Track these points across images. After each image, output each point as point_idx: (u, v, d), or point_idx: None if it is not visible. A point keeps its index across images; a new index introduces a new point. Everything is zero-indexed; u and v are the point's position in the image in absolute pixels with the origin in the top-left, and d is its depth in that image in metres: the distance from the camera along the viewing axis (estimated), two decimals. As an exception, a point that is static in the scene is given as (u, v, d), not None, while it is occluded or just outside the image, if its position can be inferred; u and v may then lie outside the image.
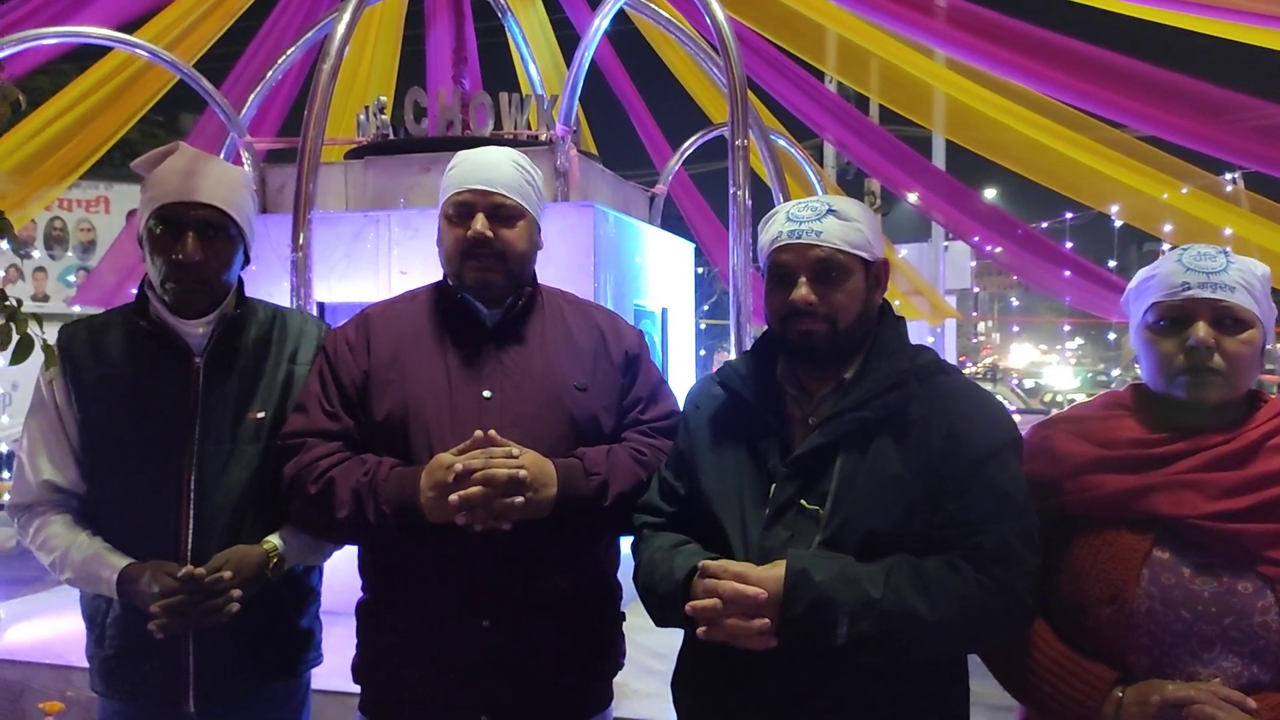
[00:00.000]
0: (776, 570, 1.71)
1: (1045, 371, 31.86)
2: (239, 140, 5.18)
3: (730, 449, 1.94)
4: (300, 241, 3.98)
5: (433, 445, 2.07)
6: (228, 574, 2.07)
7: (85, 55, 6.26)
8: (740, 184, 3.79)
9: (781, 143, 6.66)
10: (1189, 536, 1.74)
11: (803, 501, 1.81)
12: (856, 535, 1.76)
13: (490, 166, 2.20)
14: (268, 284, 4.41)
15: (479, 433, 1.99)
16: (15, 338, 2.05)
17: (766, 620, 1.69)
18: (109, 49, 5.88)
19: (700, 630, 1.73)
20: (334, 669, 2.45)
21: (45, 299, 12.29)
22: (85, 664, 2.28)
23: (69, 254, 12.73)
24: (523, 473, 1.95)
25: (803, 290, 1.85)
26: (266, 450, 2.21)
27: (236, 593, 2.08)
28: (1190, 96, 6.43)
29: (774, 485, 1.84)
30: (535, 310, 2.27)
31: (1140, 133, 8.13)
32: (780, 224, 1.91)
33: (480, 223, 2.14)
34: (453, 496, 1.93)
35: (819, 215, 1.88)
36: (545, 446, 2.06)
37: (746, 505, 1.86)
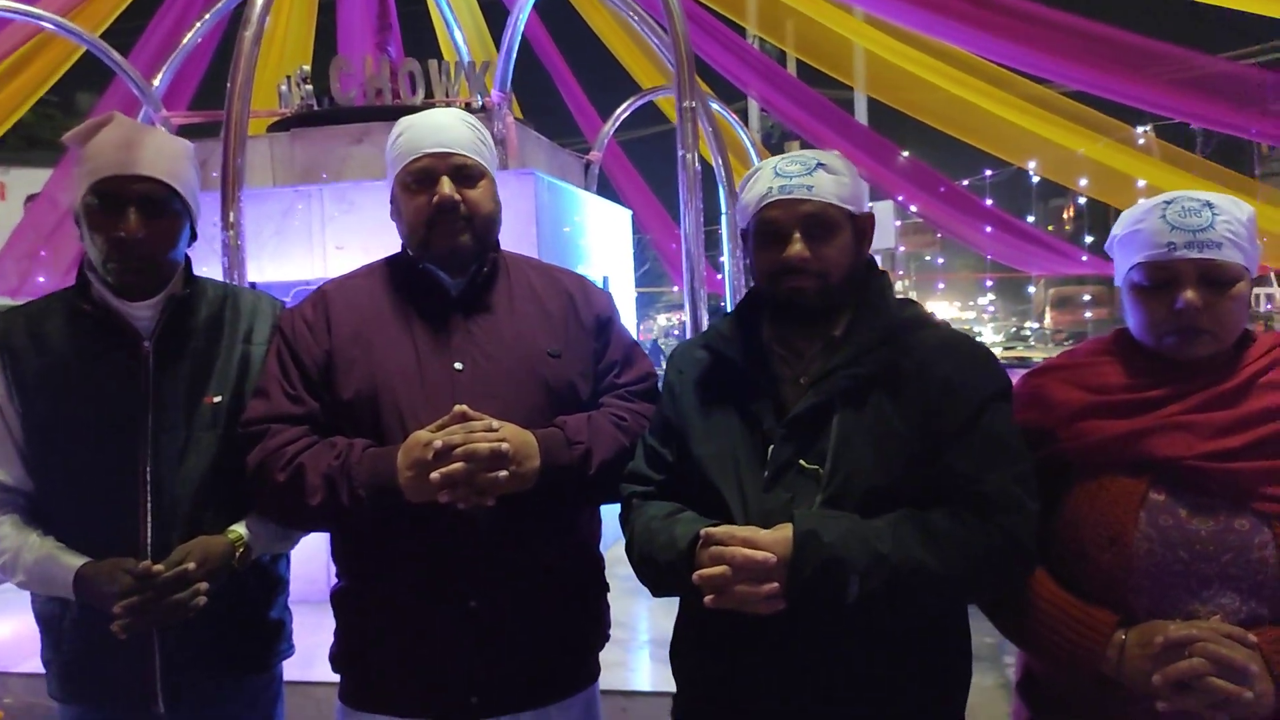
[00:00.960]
0: (784, 533, 1.68)
1: (974, 329, 32.35)
2: (154, 115, 4.94)
3: (720, 412, 1.90)
4: (230, 219, 3.81)
5: (405, 423, 1.99)
6: (191, 566, 1.96)
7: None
8: (689, 146, 3.73)
9: (717, 107, 6.61)
10: (1185, 477, 1.74)
11: (802, 462, 1.78)
12: (858, 492, 1.74)
13: (444, 128, 2.11)
14: (195, 266, 4.23)
15: (458, 407, 1.92)
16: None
17: (776, 584, 1.66)
18: (3, 21, 5.54)
19: (708, 599, 1.69)
20: (302, 659, 2.37)
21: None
22: (22, 669, 2.15)
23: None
24: (505, 446, 1.89)
25: (797, 246, 1.81)
26: (225, 436, 2.10)
27: (202, 586, 1.97)
28: (1117, 48, 6.55)
29: (771, 447, 1.81)
30: (500, 277, 2.19)
31: (1065, 89, 8.29)
32: (768, 180, 1.86)
33: (447, 186, 2.06)
34: (434, 474, 1.85)
35: (809, 169, 1.84)
36: (521, 417, 1.99)
37: (743, 468, 1.82)
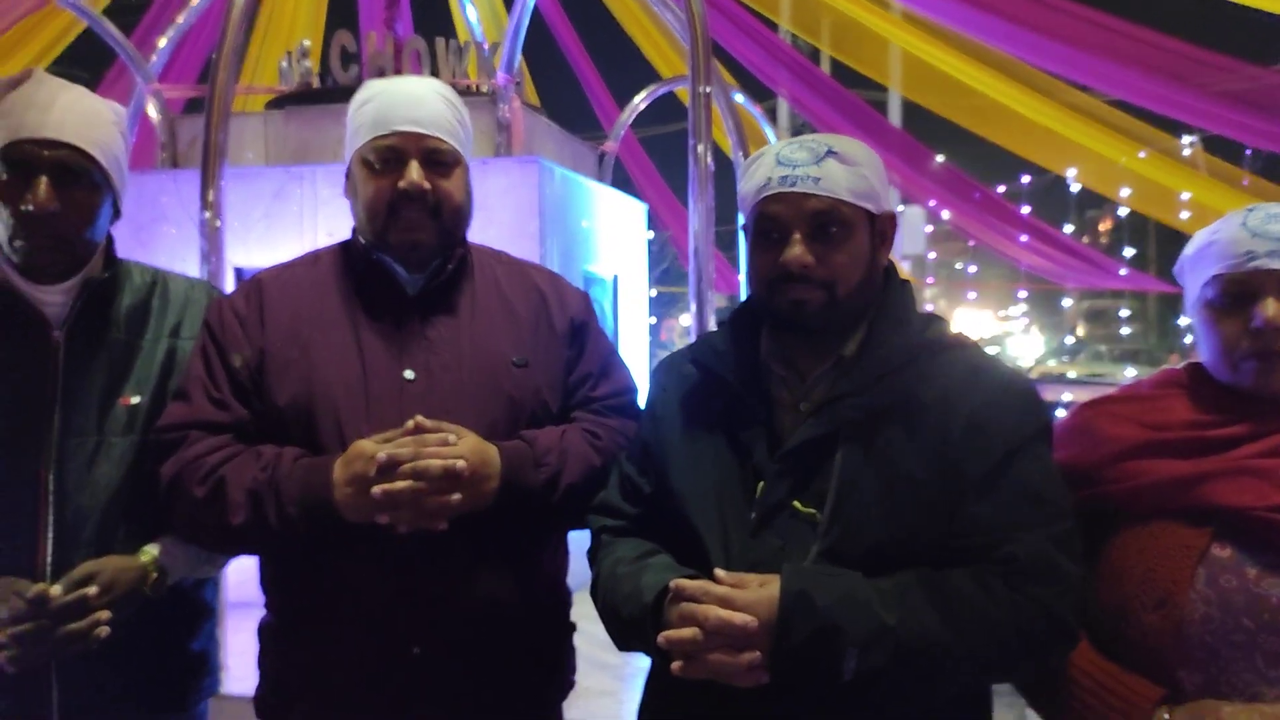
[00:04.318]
0: (769, 591, 1.42)
1: (1009, 341, 31.54)
2: (145, 88, 4.71)
3: (706, 440, 1.63)
4: (210, 199, 3.56)
5: (345, 438, 1.75)
6: (93, 591, 1.73)
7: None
8: (701, 136, 3.45)
9: (740, 99, 6.32)
10: (1255, 532, 1.52)
11: (796, 504, 1.52)
12: (861, 545, 1.48)
13: (418, 103, 1.84)
14: (185, 248, 4.02)
15: (411, 422, 1.68)
16: None
17: (757, 653, 1.40)
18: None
19: (675, 666, 1.43)
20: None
21: None
22: None
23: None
24: (461, 464, 1.64)
25: (796, 250, 1.54)
26: (142, 443, 1.87)
27: (104, 615, 1.73)
28: (1164, 55, 6.24)
29: (761, 484, 1.55)
30: (465, 275, 1.93)
31: (1107, 96, 7.99)
32: (769, 168, 1.58)
33: (416, 172, 1.81)
34: (375, 490, 1.62)
35: (816, 158, 1.56)
36: (479, 434, 1.75)
37: (727, 508, 1.57)
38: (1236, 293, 1.57)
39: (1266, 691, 1.47)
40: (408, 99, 1.85)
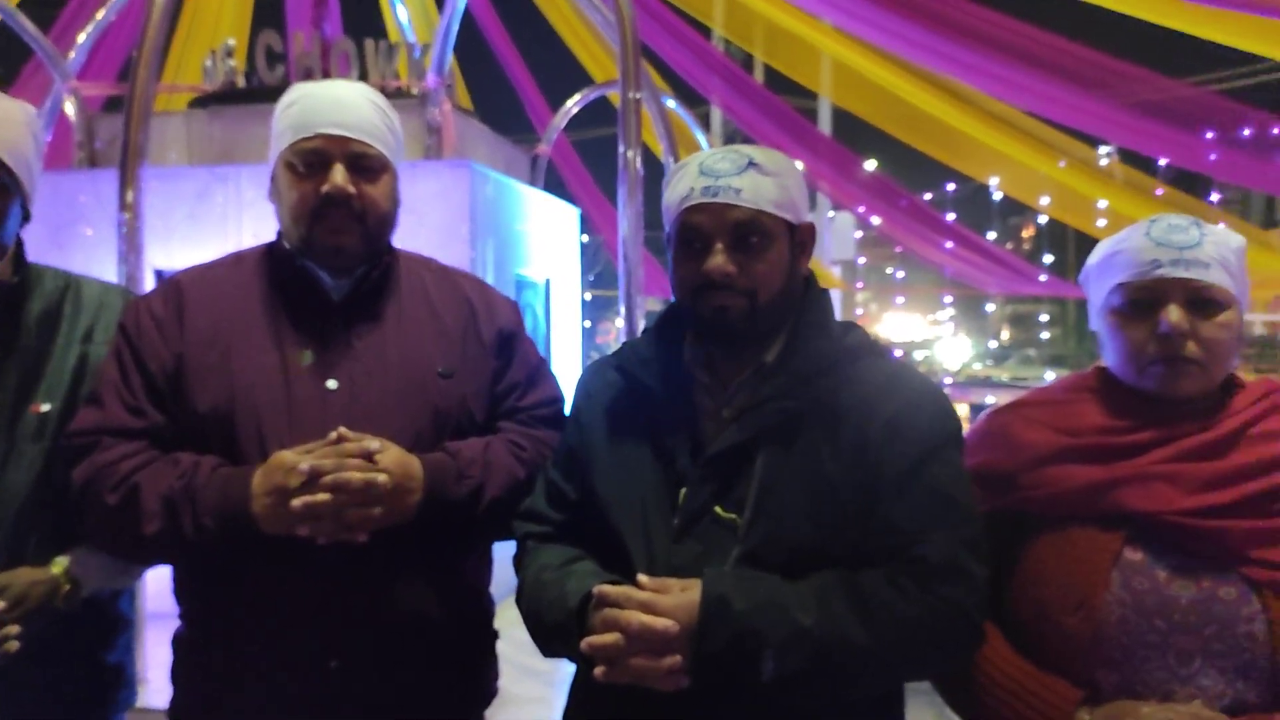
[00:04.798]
0: (690, 596, 1.43)
1: (936, 345, 31.65)
2: (63, 85, 4.57)
3: (631, 446, 1.64)
4: (129, 200, 3.47)
5: (266, 448, 1.71)
6: (1, 605, 1.67)
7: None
8: (631, 143, 3.46)
9: (672, 104, 6.36)
10: (1165, 535, 1.55)
11: (718, 509, 1.54)
12: (781, 548, 1.50)
13: (345, 106, 1.81)
14: (102, 249, 3.91)
15: (334, 433, 1.66)
16: None
17: (678, 657, 1.41)
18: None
19: (598, 671, 1.44)
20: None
21: None
22: None
23: None
24: (383, 478, 1.62)
25: (719, 259, 1.56)
26: (53, 450, 1.81)
27: (13, 629, 1.68)
28: (1081, 65, 6.42)
29: (684, 490, 1.56)
30: (391, 282, 1.90)
31: (1025, 108, 8.20)
32: (692, 179, 1.60)
33: (340, 175, 1.77)
34: (296, 502, 1.59)
35: (738, 169, 1.58)
36: (403, 445, 1.72)
37: (650, 513, 1.58)
38: (1142, 300, 1.60)
39: (1178, 689, 1.50)
40: (334, 102, 1.81)
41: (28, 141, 1.84)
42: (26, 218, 1.89)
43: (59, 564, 1.78)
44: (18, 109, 1.85)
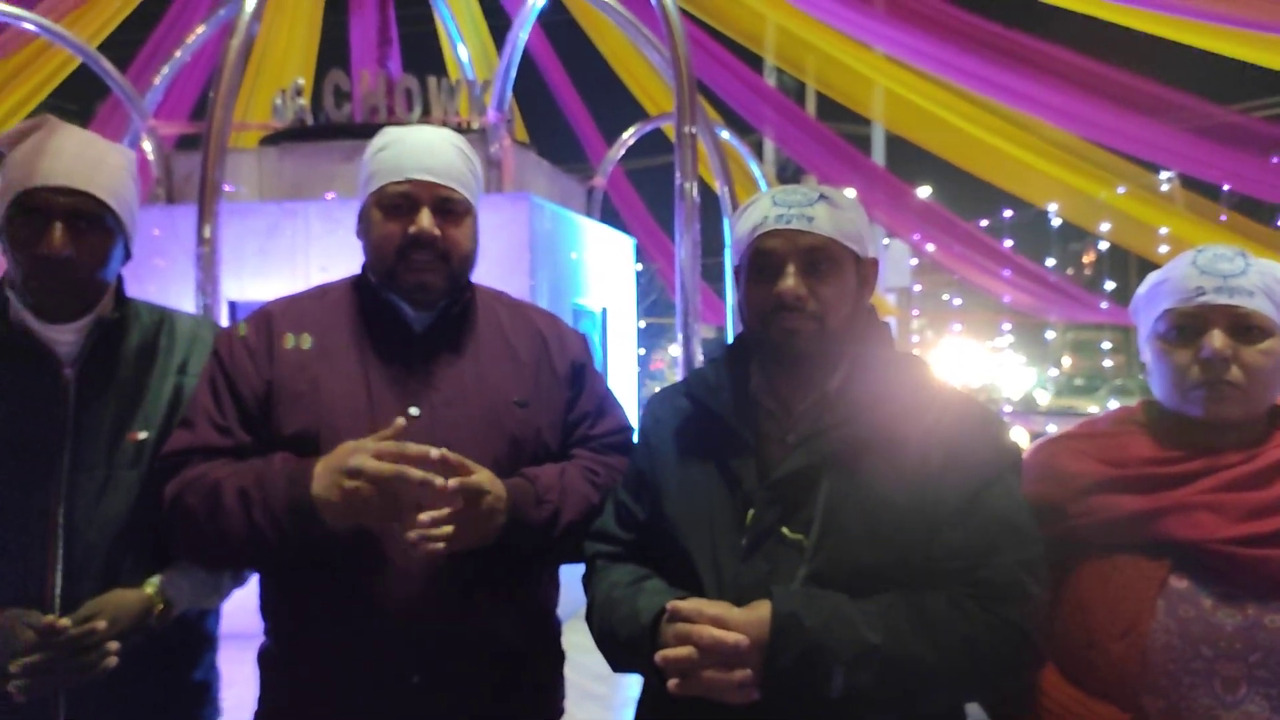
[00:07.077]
0: (760, 613, 1.49)
1: (1000, 373, 30.87)
2: (141, 124, 4.78)
3: (699, 469, 1.70)
4: (206, 234, 3.62)
5: None
6: (101, 625, 1.75)
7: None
8: (688, 174, 3.54)
9: (725, 135, 6.43)
10: (1210, 564, 1.58)
11: (784, 530, 1.59)
12: (845, 569, 1.55)
13: (432, 152, 1.90)
14: (176, 281, 4.06)
15: (435, 451, 1.69)
16: None
17: (748, 671, 1.47)
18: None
19: (672, 683, 1.50)
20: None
21: None
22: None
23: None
24: (476, 479, 1.69)
25: (791, 281, 1.63)
26: (149, 477, 1.89)
27: (113, 646, 1.76)
28: (1134, 95, 6.39)
29: (751, 511, 1.61)
30: (470, 315, 1.99)
31: (1083, 136, 8.14)
32: (765, 208, 1.68)
33: (426, 219, 1.86)
34: (346, 484, 1.64)
35: (810, 201, 1.67)
36: None
37: (718, 534, 1.63)
38: (1186, 326, 1.63)
39: (1224, 715, 1.52)
40: (423, 148, 1.90)
41: (128, 184, 1.95)
42: (128, 255, 2.00)
43: (152, 584, 1.86)
44: (119, 154, 1.96)
